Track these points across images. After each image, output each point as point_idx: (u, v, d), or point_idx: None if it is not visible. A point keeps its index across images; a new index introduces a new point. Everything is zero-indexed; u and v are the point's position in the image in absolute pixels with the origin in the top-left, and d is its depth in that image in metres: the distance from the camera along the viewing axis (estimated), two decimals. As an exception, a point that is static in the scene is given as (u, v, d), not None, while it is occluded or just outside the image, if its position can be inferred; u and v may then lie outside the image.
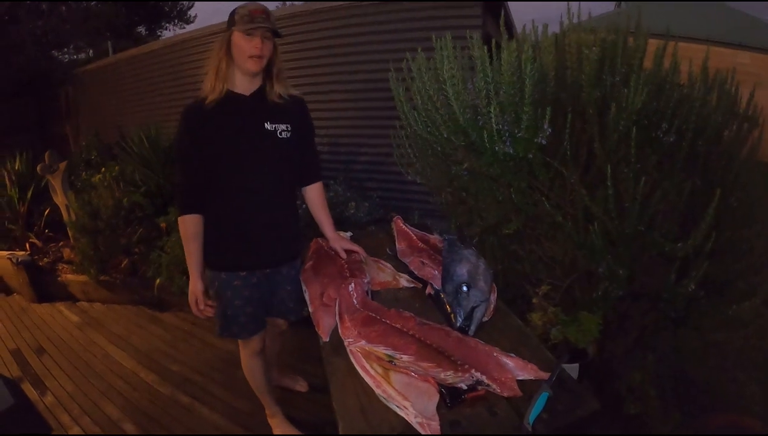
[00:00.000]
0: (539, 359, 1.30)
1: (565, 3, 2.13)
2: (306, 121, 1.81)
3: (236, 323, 1.82)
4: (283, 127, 1.68)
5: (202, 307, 1.70)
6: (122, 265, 3.74)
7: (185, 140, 1.62)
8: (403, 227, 2.17)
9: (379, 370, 1.19)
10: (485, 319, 1.48)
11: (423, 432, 1.01)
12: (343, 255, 1.86)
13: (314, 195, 1.93)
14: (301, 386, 2.50)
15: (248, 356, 1.97)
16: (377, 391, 1.14)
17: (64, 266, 4.22)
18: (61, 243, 4.58)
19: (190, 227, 1.66)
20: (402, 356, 1.19)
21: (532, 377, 1.21)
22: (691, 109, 1.69)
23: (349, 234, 2.22)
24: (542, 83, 1.82)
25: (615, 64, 1.77)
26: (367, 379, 1.18)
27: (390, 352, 1.20)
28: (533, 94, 1.62)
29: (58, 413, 2.54)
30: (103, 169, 4.13)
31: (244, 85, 1.64)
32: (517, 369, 1.22)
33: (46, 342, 3.35)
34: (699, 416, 2.05)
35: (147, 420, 2.42)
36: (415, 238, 2.08)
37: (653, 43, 1.94)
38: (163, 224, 3.70)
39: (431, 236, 2.11)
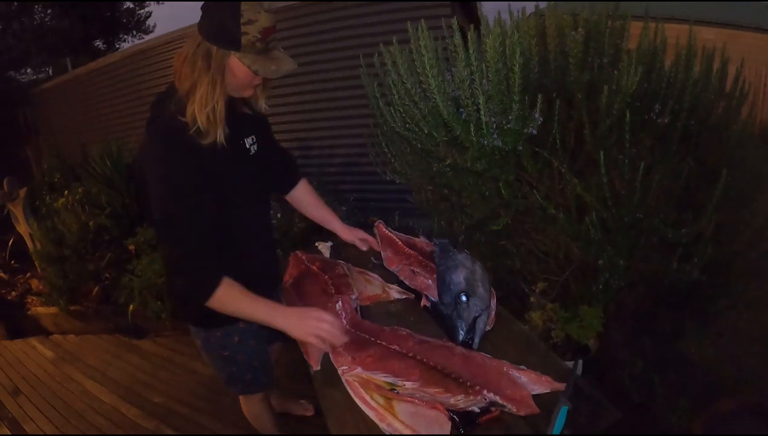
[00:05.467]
0: (550, 368, 1.19)
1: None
2: (265, 126, 1.52)
3: (264, 372, 1.60)
4: (249, 140, 1.39)
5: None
6: (93, 292, 3.55)
7: (190, 182, 1.16)
8: (386, 231, 2.03)
9: (381, 400, 1.06)
10: (487, 328, 1.37)
11: (438, 471, 0.89)
12: (363, 247, 1.69)
13: (302, 197, 1.69)
14: (307, 409, 2.28)
15: (255, 404, 1.74)
16: (381, 425, 1.02)
17: (34, 298, 4.01)
18: (28, 274, 4.35)
19: (235, 292, 1.22)
20: (405, 382, 1.07)
21: (548, 390, 1.11)
22: (684, 88, 1.61)
23: (329, 244, 2.08)
24: (526, 69, 1.73)
25: (601, 46, 1.68)
26: (368, 412, 1.06)
27: (391, 379, 1.08)
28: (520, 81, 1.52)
29: (37, 458, 2.37)
30: (67, 192, 3.91)
31: None
32: (531, 383, 1.11)
33: (21, 382, 3.16)
34: (708, 403, 1.99)
35: (131, 459, 2.27)
36: (400, 243, 1.95)
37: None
38: (131, 247, 3.50)
39: (417, 239, 1.98)
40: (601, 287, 1.85)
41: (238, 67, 1.14)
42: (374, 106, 2.22)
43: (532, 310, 1.97)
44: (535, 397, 1.09)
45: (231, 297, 1.22)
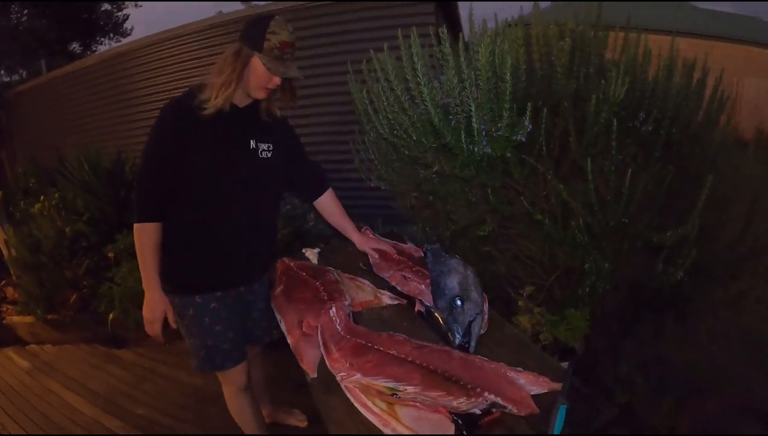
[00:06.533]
0: (545, 368, 1.22)
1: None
2: (290, 137, 1.77)
3: (219, 352, 1.64)
4: (264, 146, 1.61)
5: (175, 324, 1.58)
6: (71, 301, 3.45)
7: (167, 140, 1.46)
8: (374, 238, 2.04)
9: (383, 406, 1.06)
10: (482, 332, 1.39)
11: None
12: (375, 256, 1.82)
13: (327, 204, 1.88)
14: (299, 420, 2.23)
15: (234, 393, 1.76)
16: (385, 430, 1.02)
17: (9, 306, 3.86)
18: (3, 282, 4.20)
19: (153, 236, 1.49)
20: (406, 387, 1.07)
21: (545, 390, 1.13)
22: (667, 97, 1.66)
23: (317, 251, 2.07)
24: (514, 77, 1.76)
25: (587, 56, 1.73)
26: (370, 418, 1.06)
27: (392, 384, 1.08)
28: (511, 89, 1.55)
29: (16, 474, 2.28)
30: (43, 197, 3.79)
31: (240, 97, 1.54)
32: (529, 384, 1.13)
33: (-3, 394, 3.02)
34: (691, 403, 2.04)
35: (115, 473, 2.20)
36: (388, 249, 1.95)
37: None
38: (110, 254, 3.41)
39: (405, 245, 1.99)
40: (587, 289, 1.88)
41: (257, 65, 1.43)
42: (362, 113, 2.22)
43: (520, 314, 1.99)
44: (534, 397, 1.11)
45: (146, 239, 1.49)
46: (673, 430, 1.81)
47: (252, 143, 1.58)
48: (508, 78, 1.50)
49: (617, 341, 2.31)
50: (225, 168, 1.53)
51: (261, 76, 1.44)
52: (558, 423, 1.03)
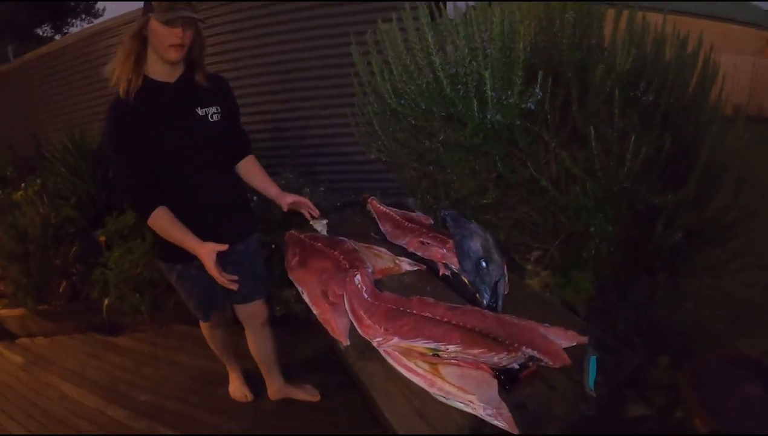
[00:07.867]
0: (570, 323, 1.28)
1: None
2: (232, 99, 1.79)
3: (202, 308, 1.94)
4: (213, 109, 1.66)
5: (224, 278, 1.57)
6: (61, 289, 3.35)
7: (122, 136, 1.52)
8: (382, 207, 2.06)
9: (426, 366, 1.10)
10: (505, 292, 1.43)
11: (498, 423, 0.94)
12: (285, 208, 1.90)
13: (249, 166, 1.91)
14: (312, 395, 2.28)
15: (207, 329, 2.14)
16: (431, 390, 1.05)
17: (-3, 300, 3.70)
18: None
19: (166, 217, 1.57)
20: (447, 346, 1.11)
21: (574, 343, 1.19)
22: (666, 68, 1.72)
23: (325, 221, 2.07)
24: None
25: (589, 28, 1.77)
26: (415, 379, 1.09)
27: (432, 345, 1.12)
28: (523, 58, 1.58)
29: (22, 472, 2.22)
30: (24, 184, 3.66)
31: (164, 72, 1.57)
32: (559, 338, 1.19)
33: (-9, 392, 2.90)
34: (690, 357, 2.15)
35: (128, 462, 2.17)
36: (399, 218, 1.97)
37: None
38: (101, 238, 3.32)
39: (414, 214, 2.02)
40: (593, 251, 1.95)
41: (153, 23, 1.44)
42: (366, 84, 2.22)
43: (529, 277, 2.05)
44: (564, 350, 1.17)
45: (165, 221, 1.56)
46: (674, 385, 1.91)
47: (199, 111, 1.63)
48: (520, 47, 1.53)
49: (613, 304, 2.41)
50: (177, 141, 1.59)
51: (161, 33, 1.45)
52: (591, 372, 1.09)
